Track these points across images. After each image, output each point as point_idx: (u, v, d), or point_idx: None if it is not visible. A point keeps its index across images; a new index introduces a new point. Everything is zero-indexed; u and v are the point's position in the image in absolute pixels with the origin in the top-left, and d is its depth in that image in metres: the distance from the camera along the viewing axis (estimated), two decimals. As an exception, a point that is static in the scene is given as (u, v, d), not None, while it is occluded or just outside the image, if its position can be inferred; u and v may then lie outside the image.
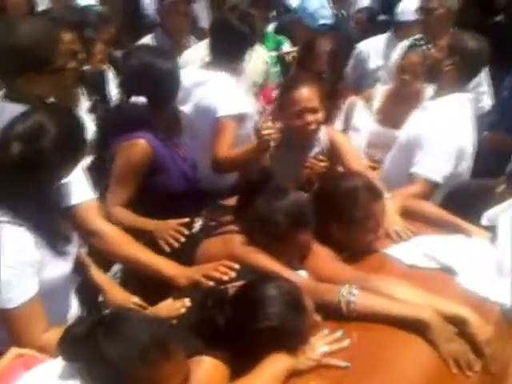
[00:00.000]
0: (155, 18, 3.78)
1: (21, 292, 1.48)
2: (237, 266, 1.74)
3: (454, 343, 1.57)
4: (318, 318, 1.59)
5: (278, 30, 3.94)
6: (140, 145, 2.17)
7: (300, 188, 1.96)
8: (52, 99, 1.95)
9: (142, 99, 2.19)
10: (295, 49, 2.89)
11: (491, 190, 2.17)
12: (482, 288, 1.83)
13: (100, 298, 1.88)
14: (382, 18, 5.07)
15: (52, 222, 1.59)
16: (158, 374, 1.18)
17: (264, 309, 1.45)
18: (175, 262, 1.89)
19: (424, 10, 3.32)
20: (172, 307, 1.66)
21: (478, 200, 2.18)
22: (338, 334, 1.57)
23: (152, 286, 1.87)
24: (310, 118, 2.27)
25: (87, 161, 2.24)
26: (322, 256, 1.85)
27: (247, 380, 1.42)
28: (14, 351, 1.36)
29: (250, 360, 1.44)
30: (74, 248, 1.69)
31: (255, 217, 1.85)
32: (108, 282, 1.97)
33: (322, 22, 3.34)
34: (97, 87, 2.85)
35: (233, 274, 1.71)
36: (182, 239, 2.02)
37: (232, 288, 1.60)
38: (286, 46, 3.69)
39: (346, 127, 2.66)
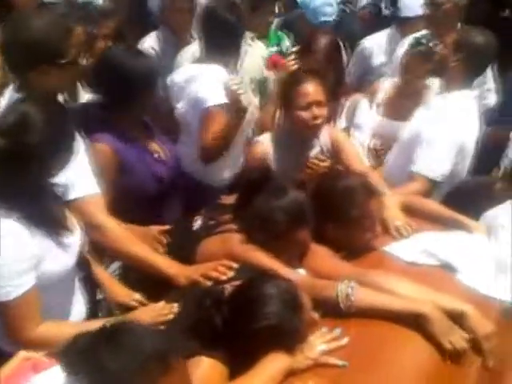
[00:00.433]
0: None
1: (16, 286, 1.50)
2: (236, 266, 1.75)
3: (455, 336, 1.57)
4: (316, 315, 1.59)
5: (285, 26, 3.91)
6: (99, 148, 2.13)
7: (298, 187, 1.95)
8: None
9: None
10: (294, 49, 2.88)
11: (490, 188, 2.16)
12: (482, 285, 1.83)
13: (99, 296, 1.88)
14: (386, 13, 5.04)
15: (50, 214, 1.59)
16: None
17: (262, 308, 1.46)
18: (175, 260, 1.90)
19: (431, 4, 3.24)
20: (159, 312, 1.67)
21: (478, 198, 2.18)
22: (337, 331, 1.57)
23: (151, 284, 1.88)
24: (317, 111, 2.27)
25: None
26: (321, 254, 1.86)
27: (245, 380, 1.42)
28: (21, 354, 1.37)
29: (248, 359, 1.45)
30: (78, 241, 1.69)
31: (254, 215, 1.85)
32: (108, 279, 1.97)
33: (323, 19, 3.31)
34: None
35: (231, 274, 1.71)
36: (161, 250, 2.02)
37: (230, 287, 1.61)
38: (286, 42, 3.68)
39: (349, 125, 2.65)
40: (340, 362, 1.49)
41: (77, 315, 1.74)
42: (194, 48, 3.00)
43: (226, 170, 2.83)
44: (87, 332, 1.21)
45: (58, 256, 1.60)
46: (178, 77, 2.75)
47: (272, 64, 2.86)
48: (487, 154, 2.68)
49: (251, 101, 2.98)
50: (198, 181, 2.75)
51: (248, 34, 3.20)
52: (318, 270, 1.79)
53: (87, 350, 1.17)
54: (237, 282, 1.63)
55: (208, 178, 2.78)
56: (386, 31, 3.67)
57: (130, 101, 2.19)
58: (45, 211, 1.57)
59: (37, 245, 1.53)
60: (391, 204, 2.15)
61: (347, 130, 2.63)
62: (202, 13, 2.88)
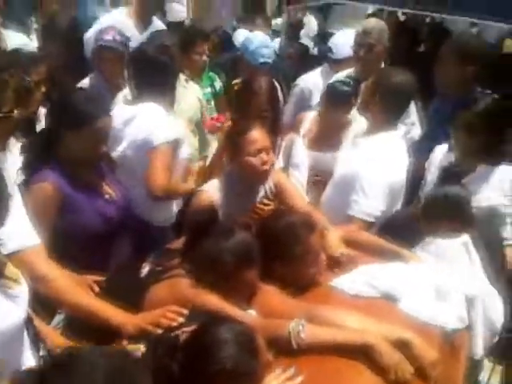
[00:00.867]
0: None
1: None
2: (185, 311, 1.73)
3: (401, 365, 1.63)
4: (270, 356, 1.61)
5: (217, 66, 4.00)
6: (40, 186, 2.14)
7: (244, 229, 1.98)
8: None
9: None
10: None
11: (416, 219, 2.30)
12: (423, 313, 1.92)
13: (41, 352, 1.80)
14: (314, 53, 5.28)
15: None
16: None
17: (217, 353, 1.46)
18: (123, 309, 1.87)
19: (363, 46, 3.32)
20: None
21: (408, 228, 2.31)
22: (291, 371, 1.59)
23: (98, 335, 1.83)
24: (265, 157, 2.32)
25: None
26: (269, 294, 1.89)
27: None
28: None
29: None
30: (26, 291, 1.63)
31: (202, 257, 1.86)
32: (52, 333, 1.89)
33: (262, 60, 3.39)
34: (27, 131, 2.78)
35: (181, 320, 1.70)
36: None
37: (183, 334, 1.60)
38: (218, 83, 3.76)
39: (286, 164, 2.72)
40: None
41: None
42: (126, 91, 3.01)
43: (173, 206, 2.84)
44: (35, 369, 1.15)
45: (10, 308, 1.53)
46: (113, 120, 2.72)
47: (209, 128, 2.92)
48: (412, 186, 2.78)
49: (190, 141, 3.02)
50: (146, 221, 2.73)
51: (182, 76, 3.26)
52: (268, 310, 1.81)
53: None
54: (188, 328, 1.63)
55: (156, 218, 2.78)
56: (318, 69, 3.80)
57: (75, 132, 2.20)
58: None
59: None
60: (334, 238, 2.24)
61: (285, 169, 2.69)
62: (134, 54, 2.90)
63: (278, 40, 4.96)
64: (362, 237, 2.38)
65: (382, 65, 3.38)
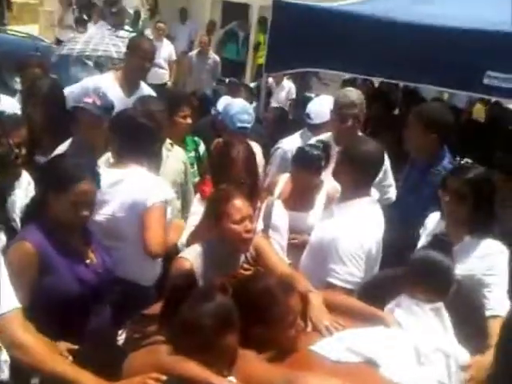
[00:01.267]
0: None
1: None
2: (164, 378, 1.70)
3: None
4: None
5: (198, 129, 4.05)
6: (23, 246, 2.15)
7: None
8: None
9: None
10: None
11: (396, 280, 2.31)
12: (404, 378, 1.91)
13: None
14: (293, 118, 5.43)
15: None
16: None
17: None
18: (101, 377, 1.83)
19: (342, 117, 3.35)
20: None
21: (388, 290, 2.32)
22: None
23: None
24: (249, 225, 2.34)
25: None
26: (249, 359, 1.86)
27: None
28: None
29: None
30: (6, 359, 1.60)
31: (181, 323, 1.84)
32: None
33: (239, 125, 3.46)
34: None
35: (161, 388, 1.67)
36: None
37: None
38: (202, 147, 3.82)
39: (266, 227, 2.75)
40: None
41: None
42: (107, 155, 3.04)
43: (158, 266, 2.83)
44: None
45: None
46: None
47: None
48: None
49: (174, 203, 3.05)
50: (132, 282, 2.70)
51: (167, 140, 3.33)
52: (248, 377, 1.78)
53: None
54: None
55: (144, 277, 2.77)
56: (299, 133, 3.91)
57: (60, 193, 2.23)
58: None
59: None
60: (317, 302, 2.24)
61: (265, 232, 2.71)
62: (120, 119, 2.94)
63: (255, 104, 5.10)
64: (343, 300, 2.38)
65: (358, 132, 3.46)
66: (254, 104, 5.00)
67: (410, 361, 2.00)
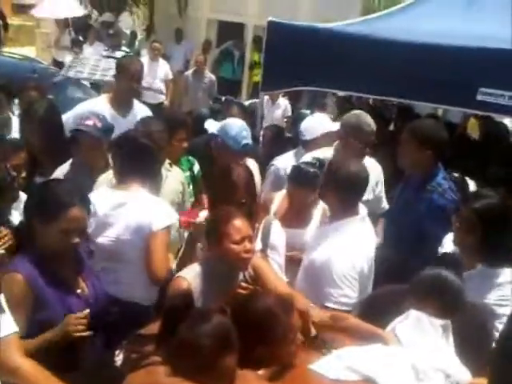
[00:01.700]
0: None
1: None
2: (163, 400, 1.70)
3: None
4: None
5: (193, 149, 4.07)
6: (14, 278, 2.08)
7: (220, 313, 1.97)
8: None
9: None
10: None
11: (401, 297, 2.30)
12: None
13: None
14: (288, 135, 5.47)
15: None
16: None
17: None
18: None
19: (367, 142, 3.42)
20: None
21: (390, 306, 2.31)
22: None
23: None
24: (248, 245, 2.34)
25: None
26: (249, 380, 1.86)
27: None
28: None
29: None
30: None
31: (179, 343, 1.83)
32: None
33: (244, 142, 3.47)
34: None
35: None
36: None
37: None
38: (196, 166, 3.84)
39: (264, 247, 2.74)
40: None
41: None
42: (107, 174, 3.05)
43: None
44: None
45: None
46: (98, 206, 2.70)
47: (185, 224, 3.00)
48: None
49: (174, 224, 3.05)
50: (132, 303, 2.69)
51: (167, 160, 3.35)
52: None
53: None
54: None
55: (145, 297, 2.76)
56: (293, 151, 3.96)
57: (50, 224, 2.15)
58: None
59: None
60: (318, 314, 2.27)
61: (263, 251, 2.71)
62: (121, 140, 2.96)
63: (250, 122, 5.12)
64: (342, 319, 2.38)
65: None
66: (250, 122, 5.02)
67: (409, 378, 1.99)
